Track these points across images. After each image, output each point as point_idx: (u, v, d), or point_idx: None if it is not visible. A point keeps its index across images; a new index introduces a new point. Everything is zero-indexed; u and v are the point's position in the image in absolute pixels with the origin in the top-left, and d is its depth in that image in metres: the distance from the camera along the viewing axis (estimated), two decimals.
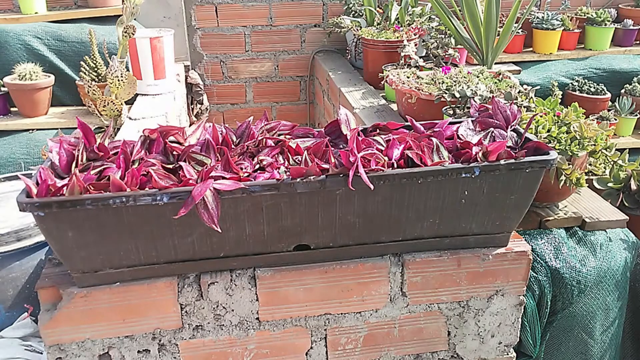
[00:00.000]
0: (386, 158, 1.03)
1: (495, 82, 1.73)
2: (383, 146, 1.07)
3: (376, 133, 1.16)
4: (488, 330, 1.18)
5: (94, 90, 1.84)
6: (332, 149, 1.08)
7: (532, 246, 1.28)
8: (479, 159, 1.01)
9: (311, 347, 1.14)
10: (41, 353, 1.30)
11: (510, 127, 1.12)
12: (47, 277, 1.05)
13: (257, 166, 1.04)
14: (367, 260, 1.08)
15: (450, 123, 1.16)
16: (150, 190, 0.93)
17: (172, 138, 1.09)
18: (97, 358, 1.07)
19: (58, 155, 1.02)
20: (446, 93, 1.58)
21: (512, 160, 1.01)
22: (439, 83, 1.68)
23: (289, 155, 1.07)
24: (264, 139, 1.10)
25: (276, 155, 1.07)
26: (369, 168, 0.97)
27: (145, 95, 2.12)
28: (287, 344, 1.12)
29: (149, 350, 1.08)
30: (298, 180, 0.95)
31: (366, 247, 1.07)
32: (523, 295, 1.16)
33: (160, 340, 1.08)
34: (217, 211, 0.92)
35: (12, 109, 2.24)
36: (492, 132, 1.12)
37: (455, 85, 1.58)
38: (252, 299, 1.07)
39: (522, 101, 1.49)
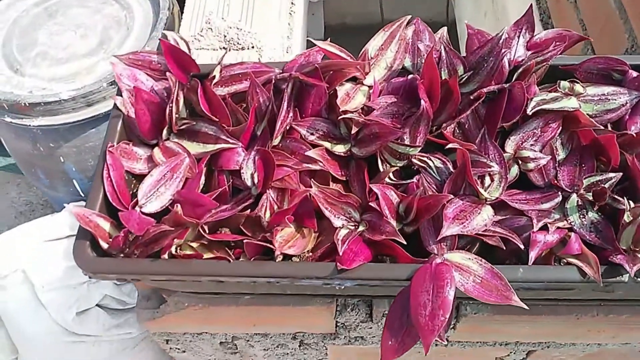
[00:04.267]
0: None
1: None
2: None
3: None
4: None
5: None
6: None
7: None
8: None
9: (507, 355, 0.81)
10: None
11: None
12: None
13: (516, 173, 0.52)
14: None
15: None
16: (320, 265, 0.47)
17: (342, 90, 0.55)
18: (219, 344, 0.79)
19: (135, 112, 0.53)
20: None
21: None
22: None
23: (580, 145, 0.53)
24: (525, 87, 0.54)
25: (555, 147, 0.53)
26: None
27: None
28: (477, 355, 0.80)
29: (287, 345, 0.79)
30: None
31: None
32: None
33: (302, 340, 0.77)
34: (446, 324, 0.47)
35: None
36: None
37: None
38: None
39: None
